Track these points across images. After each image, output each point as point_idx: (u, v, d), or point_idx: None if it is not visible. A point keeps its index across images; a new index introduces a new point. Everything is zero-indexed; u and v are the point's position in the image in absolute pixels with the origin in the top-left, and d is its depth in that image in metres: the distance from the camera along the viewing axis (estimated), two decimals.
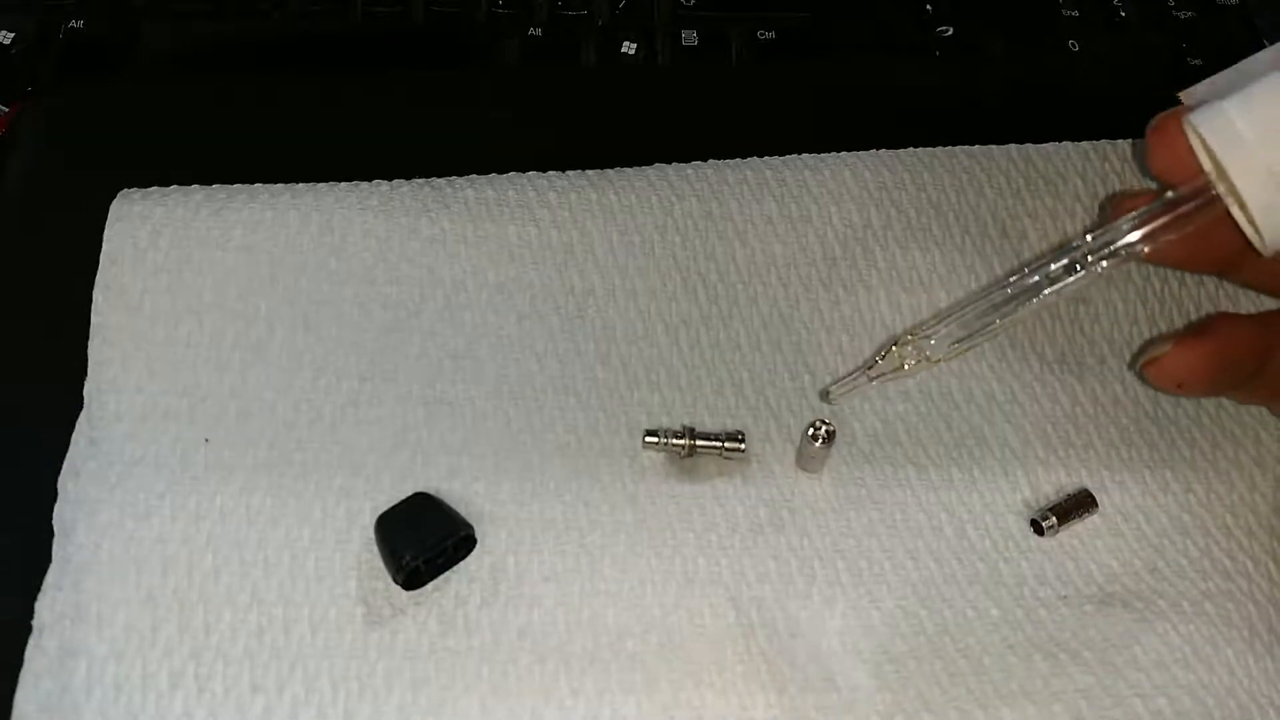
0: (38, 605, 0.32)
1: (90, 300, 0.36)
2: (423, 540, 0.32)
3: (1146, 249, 0.30)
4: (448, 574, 0.33)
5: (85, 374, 0.35)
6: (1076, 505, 0.34)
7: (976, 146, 0.40)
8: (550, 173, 0.39)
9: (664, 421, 0.36)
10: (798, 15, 0.48)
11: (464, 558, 0.33)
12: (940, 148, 0.40)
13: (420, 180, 0.39)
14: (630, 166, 0.40)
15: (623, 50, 0.47)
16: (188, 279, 0.36)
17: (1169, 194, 0.30)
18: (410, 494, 0.34)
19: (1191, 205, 0.30)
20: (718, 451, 0.35)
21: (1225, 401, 0.37)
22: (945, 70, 0.46)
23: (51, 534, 0.33)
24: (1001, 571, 0.34)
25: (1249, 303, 0.38)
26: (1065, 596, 0.33)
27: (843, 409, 0.36)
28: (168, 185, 0.38)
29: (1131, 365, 0.37)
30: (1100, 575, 0.34)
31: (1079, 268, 0.31)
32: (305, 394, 0.36)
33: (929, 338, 0.32)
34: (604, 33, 0.47)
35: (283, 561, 0.33)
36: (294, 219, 0.37)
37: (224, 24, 0.47)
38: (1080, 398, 0.37)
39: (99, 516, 0.33)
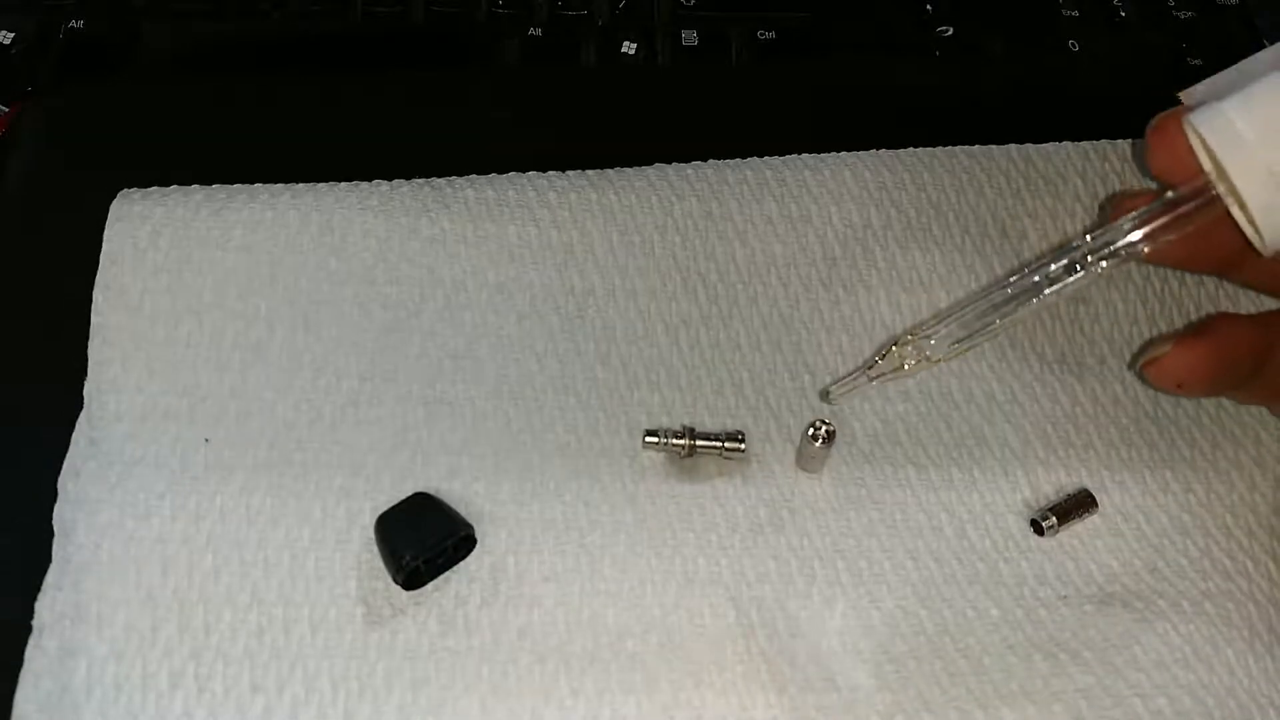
0: (38, 605, 0.32)
1: (90, 300, 0.36)
2: (423, 540, 0.32)
3: (1146, 249, 0.30)
4: (448, 574, 0.33)
5: (85, 374, 0.35)
6: (1076, 505, 0.34)
7: (976, 146, 0.40)
8: (550, 173, 0.39)
9: (664, 421, 0.36)
10: (798, 15, 0.48)
11: (464, 558, 0.33)
12: (940, 148, 0.40)
13: (420, 180, 0.39)
14: (630, 166, 0.40)
15: (623, 50, 0.47)
16: (188, 279, 0.36)
17: (1169, 194, 0.30)
18: (410, 494, 0.34)
19: (1191, 205, 0.30)
20: (718, 451, 0.35)
21: (1225, 401, 0.37)
22: (945, 70, 0.46)
23: (51, 534, 0.33)
24: (1001, 571, 0.34)
25: (1249, 303, 0.38)
26: (1065, 596, 0.33)
27: (843, 409, 0.36)
28: (168, 185, 0.38)
29: (1131, 365, 0.37)
30: (1100, 575, 0.34)
31: (1079, 268, 0.31)
32: (305, 394, 0.35)
33: (929, 338, 0.32)
34: (604, 33, 0.47)
35: (283, 561, 0.33)
36: (294, 219, 0.37)
37: (224, 24, 0.47)
38: (1080, 398, 0.37)
39: (99, 516, 0.33)
